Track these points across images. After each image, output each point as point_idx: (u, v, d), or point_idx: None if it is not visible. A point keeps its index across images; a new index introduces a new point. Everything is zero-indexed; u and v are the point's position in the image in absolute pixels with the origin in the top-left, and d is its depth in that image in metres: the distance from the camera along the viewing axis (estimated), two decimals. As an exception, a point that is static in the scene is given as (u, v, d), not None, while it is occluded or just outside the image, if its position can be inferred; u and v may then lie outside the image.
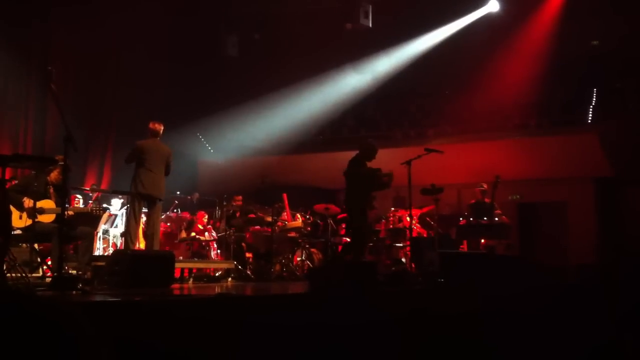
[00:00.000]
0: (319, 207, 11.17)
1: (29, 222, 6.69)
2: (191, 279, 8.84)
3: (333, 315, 4.23)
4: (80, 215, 7.69)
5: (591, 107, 13.77)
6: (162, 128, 8.31)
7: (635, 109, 13.16)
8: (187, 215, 11.21)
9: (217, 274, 9.64)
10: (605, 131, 12.71)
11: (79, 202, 9.74)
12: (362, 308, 4.51)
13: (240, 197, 11.50)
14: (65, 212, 6.89)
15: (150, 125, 8.26)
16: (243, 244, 10.56)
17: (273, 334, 3.79)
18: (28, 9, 11.86)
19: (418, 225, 10.78)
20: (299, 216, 11.33)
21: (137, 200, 8.00)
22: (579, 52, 13.90)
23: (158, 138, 8.26)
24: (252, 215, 11.28)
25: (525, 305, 5.46)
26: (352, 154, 14.37)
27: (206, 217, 11.20)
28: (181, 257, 9.59)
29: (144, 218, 8.64)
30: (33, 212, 6.66)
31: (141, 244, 8.85)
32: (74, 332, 1.10)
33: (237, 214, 11.18)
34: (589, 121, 13.65)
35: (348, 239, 10.18)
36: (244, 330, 3.72)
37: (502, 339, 4.87)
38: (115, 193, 10.35)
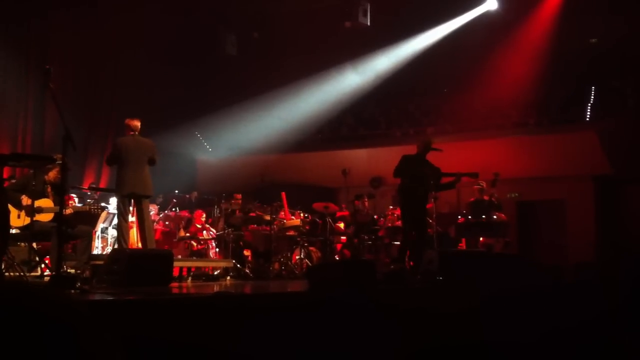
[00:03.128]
0: (318, 206, 11.17)
1: (27, 221, 6.69)
2: (190, 278, 8.84)
3: (332, 314, 4.22)
4: (79, 214, 7.68)
5: (590, 105, 13.78)
6: (140, 124, 8.06)
7: (634, 107, 13.17)
8: (185, 214, 11.20)
9: (215, 273, 9.64)
10: (604, 129, 12.72)
11: (75, 201, 9.70)
12: (361, 306, 4.50)
13: (239, 196, 11.49)
14: (65, 211, 6.90)
15: (128, 122, 7.97)
16: (241, 243, 10.56)
17: (272, 333, 3.79)
18: (26, 8, 11.84)
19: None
20: (299, 214, 11.32)
21: (123, 200, 7.88)
22: (578, 50, 13.90)
23: (137, 133, 7.99)
24: (252, 214, 11.28)
25: (524, 303, 5.46)
26: (352, 152, 14.55)
27: (204, 216, 11.19)
28: (180, 256, 9.58)
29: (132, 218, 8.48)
30: (32, 211, 6.65)
31: (139, 243, 8.82)
32: (82, 332, 1.09)
33: (237, 212, 11.18)
34: (588, 119, 13.66)
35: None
36: (243, 329, 3.72)
37: (502, 338, 4.87)
38: (104, 191, 10.27)
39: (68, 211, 7.05)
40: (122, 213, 7.81)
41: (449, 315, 4.76)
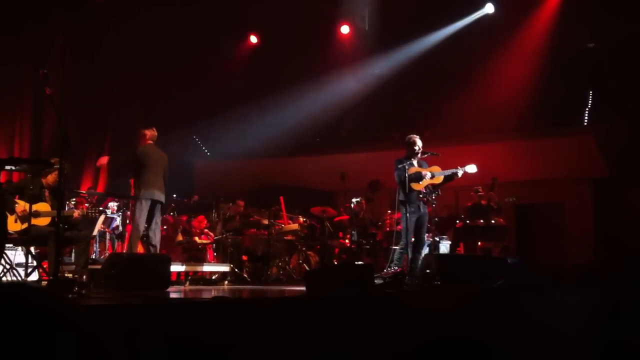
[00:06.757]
0: (316, 210, 11.16)
1: (25, 225, 6.66)
2: (187, 282, 8.83)
3: (330, 318, 4.21)
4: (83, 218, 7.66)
5: (587, 108, 13.81)
6: (157, 133, 8.37)
7: (631, 110, 13.19)
8: (184, 218, 11.17)
9: (213, 277, 9.62)
10: (602, 132, 12.75)
11: (86, 206, 9.65)
12: (358, 310, 4.49)
13: (242, 202, 11.49)
14: (74, 214, 6.91)
15: (146, 131, 8.33)
16: (240, 247, 10.54)
17: (270, 337, 3.78)
18: (26, 10, 11.82)
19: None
20: (299, 219, 11.30)
21: (144, 204, 7.97)
22: (575, 53, 13.93)
23: (153, 143, 8.31)
24: (251, 219, 11.27)
25: (524, 305, 5.46)
26: (350, 156, 14.54)
27: (205, 221, 11.16)
28: (178, 261, 9.57)
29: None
30: (29, 216, 6.63)
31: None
32: (84, 333, 1.09)
33: (237, 218, 11.17)
34: (585, 122, 13.69)
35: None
36: (239, 334, 3.71)
37: (501, 339, 4.86)
38: (126, 198, 10.19)
39: (76, 214, 7.06)
40: (139, 218, 7.88)
41: (446, 318, 4.75)
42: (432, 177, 8.06)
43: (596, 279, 6.66)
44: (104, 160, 8.40)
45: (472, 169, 8.06)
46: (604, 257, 11.83)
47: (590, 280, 6.69)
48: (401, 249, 7.94)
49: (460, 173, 8.05)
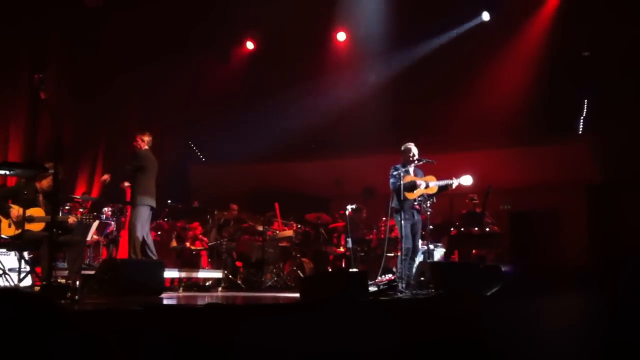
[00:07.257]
0: (311, 217, 11.14)
1: (19, 231, 6.63)
2: (181, 288, 8.81)
3: (324, 325, 4.21)
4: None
5: (582, 116, 13.86)
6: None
7: (626, 117, 13.23)
8: (179, 224, 11.13)
9: (207, 284, 9.60)
10: (596, 139, 12.80)
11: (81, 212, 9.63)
12: (352, 317, 4.49)
13: (236, 206, 11.46)
14: (69, 219, 6.90)
15: (144, 136, 8.29)
16: (234, 253, 10.52)
17: (264, 343, 3.77)
18: (23, 14, 11.79)
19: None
20: (294, 225, 11.27)
21: (147, 211, 7.96)
22: (571, 61, 13.97)
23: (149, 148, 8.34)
24: (245, 225, 11.24)
25: (521, 309, 5.46)
26: (345, 161, 14.53)
27: (199, 227, 11.13)
28: (172, 266, 9.54)
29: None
30: (22, 221, 6.60)
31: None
32: (84, 337, 1.09)
33: (232, 224, 11.14)
34: (580, 130, 13.74)
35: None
36: (232, 340, 3.69)
37: (499, 343, 4.86)
38: (125, 204, 10.15)
39: (71, 220, 7.04)
40: (141, 223, 7.88)
41: (441, 323, 4.75)
42: (427, 186, 8.09)
43: (593, 279, 6.70)
44: (106, 177, 8.57)
45: (467, 180, 8.09)
46: (600, 258, 11.84)
47: (587, 280, 6.73)
48: (404, 256, 7.94)
49: (455, 184, 8.09)
